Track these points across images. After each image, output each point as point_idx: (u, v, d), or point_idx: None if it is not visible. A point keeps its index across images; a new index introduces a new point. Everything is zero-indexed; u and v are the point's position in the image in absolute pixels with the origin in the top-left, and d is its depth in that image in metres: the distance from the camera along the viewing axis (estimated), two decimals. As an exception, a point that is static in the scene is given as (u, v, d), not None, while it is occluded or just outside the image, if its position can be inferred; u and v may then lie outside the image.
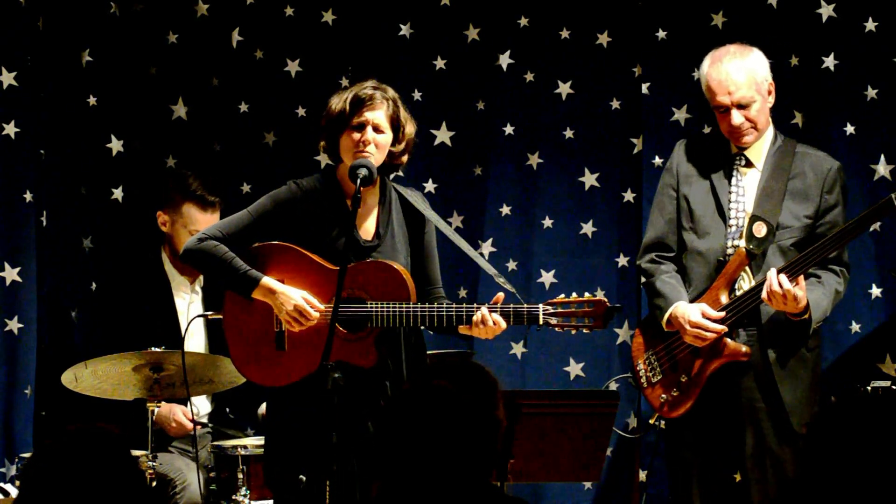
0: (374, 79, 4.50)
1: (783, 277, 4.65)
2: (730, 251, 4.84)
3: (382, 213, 4.49)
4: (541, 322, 4.34)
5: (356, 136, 4.39)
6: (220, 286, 4.54)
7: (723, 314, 4.77)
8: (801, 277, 4.66)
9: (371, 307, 4.32)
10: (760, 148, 4.91)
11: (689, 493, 4.88)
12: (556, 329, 4.37)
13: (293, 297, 4.34)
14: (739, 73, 4.82)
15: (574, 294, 4.37)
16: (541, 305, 4.35)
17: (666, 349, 4.91)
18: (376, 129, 4.39)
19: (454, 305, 4.36)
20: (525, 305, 4.35)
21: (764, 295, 4.67)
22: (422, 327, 4.50)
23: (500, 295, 4.36)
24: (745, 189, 4.88)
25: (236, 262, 4.38)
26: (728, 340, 4.79)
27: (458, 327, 4.39)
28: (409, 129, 4.48)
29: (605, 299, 4.38)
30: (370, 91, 4.41)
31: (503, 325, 4.33)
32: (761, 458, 4.79)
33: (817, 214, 4.86)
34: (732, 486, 5.02)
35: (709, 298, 4.81)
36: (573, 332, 4.38)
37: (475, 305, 4.33)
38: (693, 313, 4.78)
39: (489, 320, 4.30)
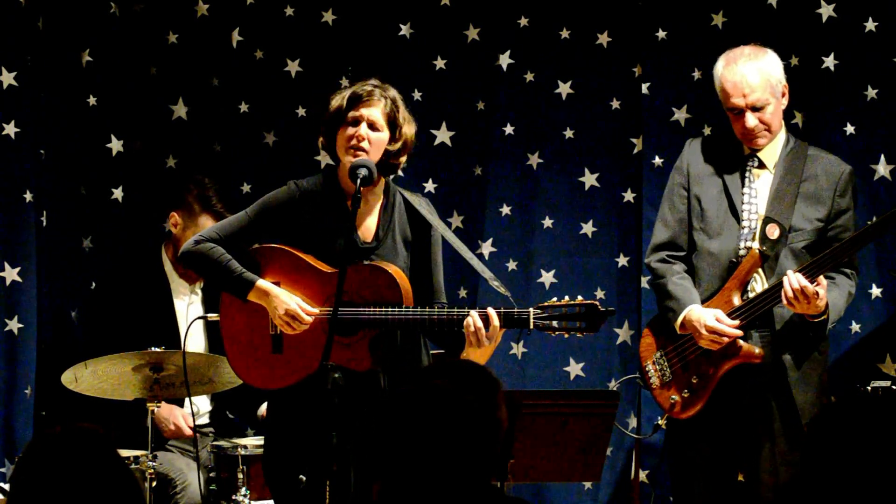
0: (377, 78, 4.48)
1: (800, 277, 4.64)
2: (742, 252, 4.83)
3: (384, 215, 4.45)
4: (531, 327, 4.27)
5: (350, 131, 4.36)
6: (216, 288, 4.53)
7: (738, 321, 4.76)
8: (822, 277, 4.65)
9: (361, 311, 4.28)
10: (773, 150, 4.90)
11: (693, 494, 4.88)
12: (549, 333, 4.30)
13: (285, 302, 4.31)
14: (754, 76, 4.81)
15: (566, 297, 4.29)
16: (531, 309, 4.26)
17: (676, 350, 4.90)
18: (372, 127, 4.36)
19: (444, 309, 4.29)
20: (515, 310, 4.26)
21: (784, 301, 4.65)
22: (430, 342, 4.48)
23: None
24: (757, 191, 4.87)
25: (232, 265, 4.36)
26: (742, 342, 4.78)
27: (459, 353, 4.34)
28: (407, 129, 4.42)
29: (598, 303, 4.28)
30: (368, 88, 4.38)
31: (497, 330, 4.25)
32: (772, 459, 4.78)
33: (829, 218, 4.86)
34: (736, 486, 5.02)
35: (721, 300, 4.80)
36: (566, 335, 4.33)
37: (466, 309, 4.26)
38: (709, 318, 4.76)
39: (471, 326, 4.21)
